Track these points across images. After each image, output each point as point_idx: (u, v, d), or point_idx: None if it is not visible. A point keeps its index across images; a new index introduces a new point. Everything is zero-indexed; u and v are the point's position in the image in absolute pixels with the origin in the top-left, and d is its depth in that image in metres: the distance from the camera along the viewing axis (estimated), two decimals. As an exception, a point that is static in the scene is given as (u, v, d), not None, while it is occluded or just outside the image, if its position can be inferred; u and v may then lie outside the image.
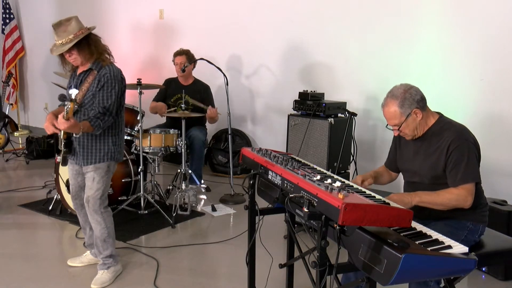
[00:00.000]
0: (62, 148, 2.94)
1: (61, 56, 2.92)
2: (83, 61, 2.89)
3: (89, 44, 2.87)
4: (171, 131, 4.47)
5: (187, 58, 4.93)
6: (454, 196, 2.26)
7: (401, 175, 2.68)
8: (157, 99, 5.14)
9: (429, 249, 1.70)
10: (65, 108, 2.61)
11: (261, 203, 2.41)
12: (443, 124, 2.40)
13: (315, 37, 5.01)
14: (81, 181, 3.07)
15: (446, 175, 2.32)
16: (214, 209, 4.44)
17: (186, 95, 4.86)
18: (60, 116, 2.64)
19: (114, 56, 3.04)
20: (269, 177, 2.21)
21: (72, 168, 3.08)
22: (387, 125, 2.46)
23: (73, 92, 2.63)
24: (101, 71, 2.88)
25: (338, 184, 1.80)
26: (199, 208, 4.52)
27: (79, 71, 2.97)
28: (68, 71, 3.07)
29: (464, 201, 2.25)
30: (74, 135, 2.84)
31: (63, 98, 2.69)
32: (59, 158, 3.04)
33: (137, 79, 4.29)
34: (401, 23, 4.43)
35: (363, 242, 1.76)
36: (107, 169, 2.99)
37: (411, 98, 2.34)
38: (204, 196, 4.79)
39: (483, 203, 2.44)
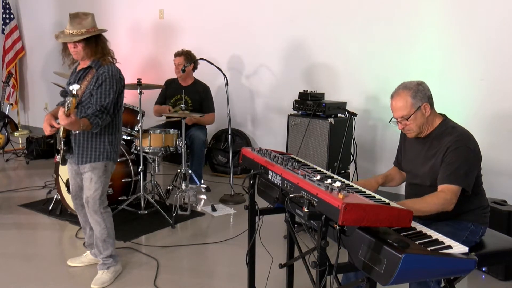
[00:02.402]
0: (61, 146, 2.94)
1: (65, 45, 2.95)
2: (84, 56, 2.90)
3: (97, 43, 2.91)
4: (171, 131, 4.46)
5: (185, 59, 4.92)
6: (434, 199, 2.18)
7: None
8: (158, 101, 5.15)
9: (429, 249, 1.70)
10: (67, 103, 2.60)
11: (261, 203, 2.41)
12: (446, 127, 2.37)
13: (315, 37, 5.01)
14: (81, 181, 3.07)
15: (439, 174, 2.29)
16: (214, 209, 4.44)
17: (186, 96, 4.86)
18: (61, 112, 2.63)
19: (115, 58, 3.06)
20: (269, 177, 2.21)
21: (71, 168, 3.08)
22: (391, 120, 2.42)
23: (75, 87, 2.63)
24: (100, 69, 2.89)
25: (338, 184, 1.80)
26: (199, 208, 4.52)
27: (79, 68, 2.98)
28: (68, 64, 3.07)
29: (448, 204, 2.17)
30: (73, 132, 2.84)
31: (64, 93, 2.70)
32: (58, 158, 3.04)
33: (137, 79, 4.29)
34: (401, 23, 4.43)
35: (363, 242, 1.76)
36: (104, 169, 2.98)
37: (423, 92, 2.33)
38: (204, 196, 4.79)
39: (484, 204, 2.43)
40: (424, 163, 2.40)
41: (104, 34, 3.01)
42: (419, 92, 2.32)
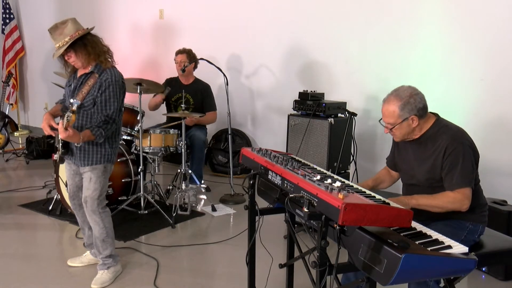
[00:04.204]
0: (60, 148, 2.94)
1: (63, 59, 2.92)
2: (83, 63, 2.88)
3: (85, 45, 2.85)
4: (171, 131, 4.46)
5: (187, 57, 4.93)
6: (451, 199, 2.26)
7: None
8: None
9: (429, 249, 1.70)
10: (66, 117, 2.61)
11: (261, 203, 2.41)
12: (440, 127, 2.39)
13: (315, 37, 5.01)
14: (79, 181, 3.07)
15: (443, 179, 2.32)
16: (214, 209, 4.44)
17: (187, 94, 4.86)
18: (60, 126, 2.66)
19: (114, 56, 3.04)
20: (269, 177, 2.21)
21: (70, 168, 3.08)
22: (381, 119, 2.45)
23: (75, 103, 2.63)
24: (103, 75, 2.87)
25: (338, 184, 1.80)
26: (199, 208, 4.52)
27: (80, 73, 2.97)
28: (69, 71, 3.07)
29: (460, 205, 2.26)
30: (76, 144, 2.85)
31: (65, 110, 2.71)
32: (55, 156, 3.04)
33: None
34: (401, 23, 4.43)
35: (363, 242, 1.76)
36: (103, 170, 2.99)
37: (413, 104, 2.32)
38: (204, 196, 4.79)
39: (482, 203, 2.44)
40: (420, 164, 2.41)
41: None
42: (408, 105, 2.32)
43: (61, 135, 2.70)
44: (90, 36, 2.91)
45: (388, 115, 2.37)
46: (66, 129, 2.64)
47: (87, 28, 2.91)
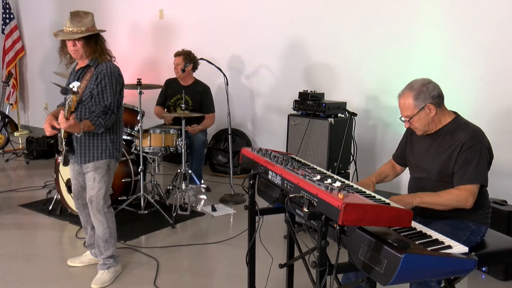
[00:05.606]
0: (63, 147, 2.94)
1: (63, 44, 2.96)
2: (83, 55, 2.91)
3: (96, 43, 2.92)
4: (171, 131, 4.46)
5: (184, 59, 4.91)
6: (455, 197, 2.26)
7: (406, 170, 2.68)
8: (159, 101, 5.15)
9: (429, 249, 1.71)
10: (67, 101, 2.62)
11: (261, 203, 2.41)
12: (459, 124, 2.40)
13: (315, 37, 5.01)
14: (83, 181, 3.07)
15: (454, 173, 2.32)
16: (214, 209, 4.44)
17: (186, 96, 4.86)
18: (61, 115, 2.66)
19: (114, 56, 3.06)
20: (269, 177, 2.21)
21: (73, 168, 3.08)
22: (401, 117, 2.45)
23: (75, 84, 2.64)
24: (98, 67, 2.90)
25: (338, 184, 1.80)
26: (199, 208, 4.52)
27: (77, 67, 3.00)
28: (65, 64, 3.07)
29: (465, 202, 2.25)
30: (76, 134, 2.85)
31: (65, 91, 2.70)
32: (60, 159, 3.04)
33: (137, 79, 4.30)
34: (401, 23, 4.43)
35: (363, 242, 1.76)
36: (107, 168, 2.98)
37: (427, 92, 2.34)
38: (204, 196, 4.79)
39: (486, 204, 2.44)
40: (434, 158, 2.41)
41: (103, 34, 3.02)
42: (422, 93, 2.34)
43: (63, 125, 2.69)
44: (101, 37, 2.99)
45: (404, 108, 2.38)
46: (67, 118, 2.64)
47: (101, 29, 2.98)
